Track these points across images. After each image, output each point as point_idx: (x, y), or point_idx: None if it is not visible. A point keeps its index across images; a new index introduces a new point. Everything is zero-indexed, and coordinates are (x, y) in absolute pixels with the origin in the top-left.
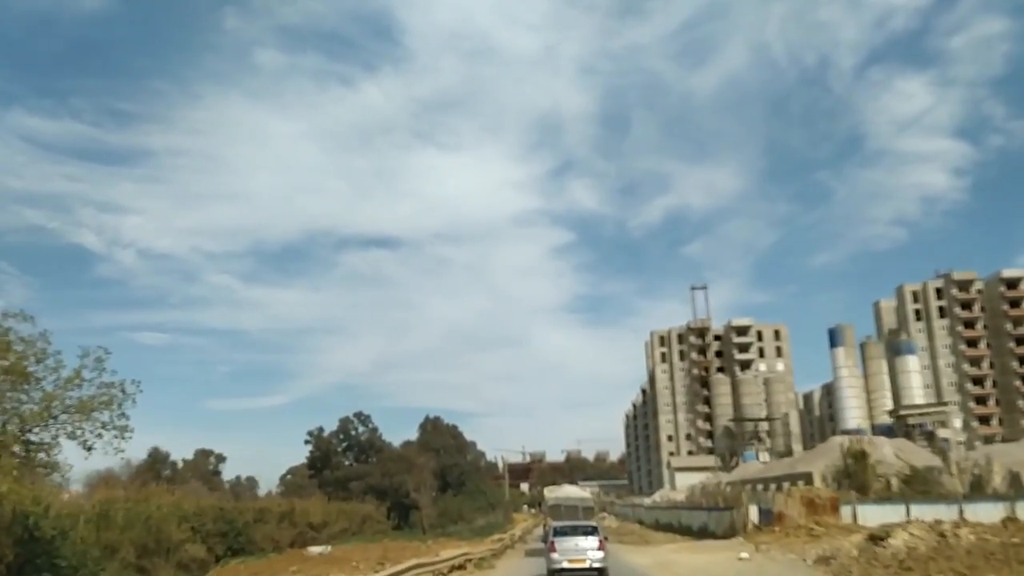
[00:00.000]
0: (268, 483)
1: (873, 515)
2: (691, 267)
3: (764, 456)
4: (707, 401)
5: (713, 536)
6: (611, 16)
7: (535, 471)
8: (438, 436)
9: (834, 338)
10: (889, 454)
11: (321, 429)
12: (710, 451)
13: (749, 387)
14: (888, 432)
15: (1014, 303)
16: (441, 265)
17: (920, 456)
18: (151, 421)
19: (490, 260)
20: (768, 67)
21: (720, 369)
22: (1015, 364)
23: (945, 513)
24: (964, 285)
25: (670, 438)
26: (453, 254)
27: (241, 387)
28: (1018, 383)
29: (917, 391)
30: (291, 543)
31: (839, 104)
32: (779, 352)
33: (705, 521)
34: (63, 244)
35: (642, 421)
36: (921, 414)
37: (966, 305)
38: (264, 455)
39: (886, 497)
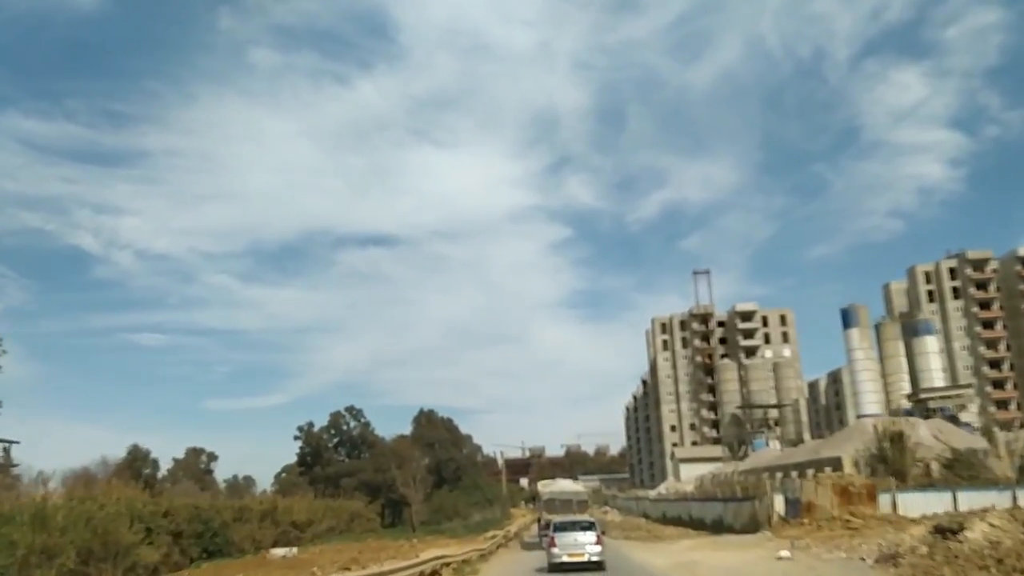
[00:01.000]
0: (266, 482)
1: (915, 504)
2: (689, 261)
3: (775, 444)
4: (712, 389)
5: (731, 530)
6: (606, 11)
7: (535, 466)
8: (432, 430)
9: (847, 318)
10: (927, 436)
11: (311, 424)
12: (715, 441)
13: (757, 372)
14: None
15: None
16: (439, 262)
17: (961, 438)
18: (150, 421)
19: (488, 257)
20: (763, 60)
21: (724, 356)
22: None
23: (997, 500)
24: (979, 264)
25: (673, 428)
26: (451, 251)
27: (240, 387)
28: None
29: (936, 373)
30: (274, 543)
31: (835, 96)
32: (785, 338)
33: (720, 514)
34: (60, 246)
35: (643, 413)
36: (942, 397)
37: (981, 285)
38: (263, 455)
39: (928, 483)
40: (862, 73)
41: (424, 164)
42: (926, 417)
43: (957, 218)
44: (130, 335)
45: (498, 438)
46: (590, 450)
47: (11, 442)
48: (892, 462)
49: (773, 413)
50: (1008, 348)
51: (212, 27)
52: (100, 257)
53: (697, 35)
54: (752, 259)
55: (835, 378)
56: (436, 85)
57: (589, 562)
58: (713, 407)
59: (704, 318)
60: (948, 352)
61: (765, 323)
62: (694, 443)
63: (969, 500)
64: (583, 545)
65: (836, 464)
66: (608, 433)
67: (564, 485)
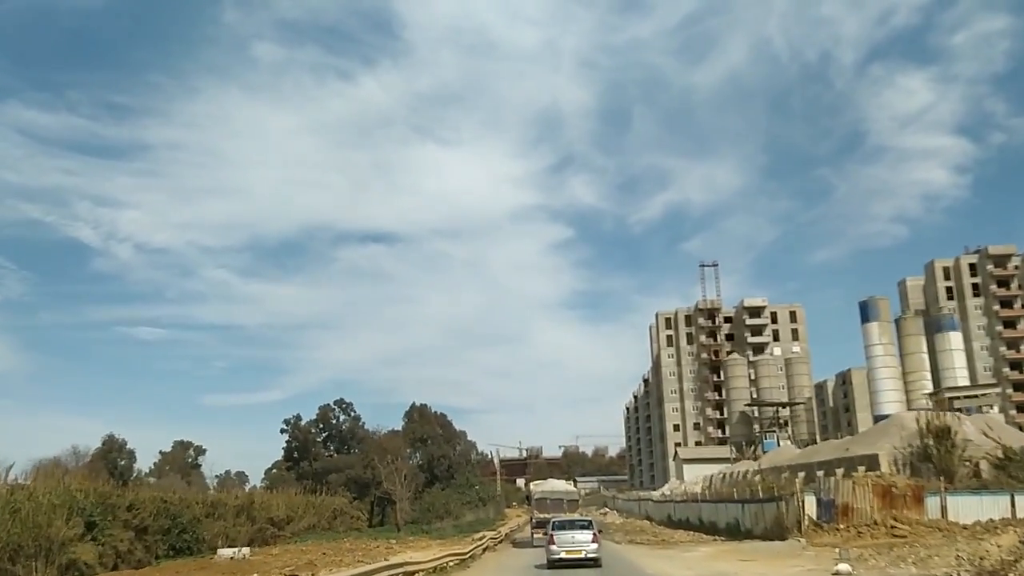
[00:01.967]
0: (259, 479)
1: (968, 508)
2: (691, 263)
3: (786, 444)
4: (717, 388)
5: (751, 536)
6: (612, 11)
7: (532, 467)
8: (425, 425)
9: (866, 312)
10: (973, 432)
11: (298, 417)
12: (721, 442)
13: (768, 369)
14: None
15: None
16: (439, 260)
17: (1013, 435)
18: (146, 415)
19: (489, 256)
20: (769, 63)
21: (730, 353)
22: None
23: None
24: (1001, 260)
25: (676, 428)
26: (452, 249)
27: (236, 383)
28: None
29: (960, 372)
30: (249, 541)
31: (840, 100)
32: (795, 335)
33: (737, 516)
34: (60, 238)
35: (644, 412)
36: (968, 396)
37: (1003, 282)
38: (257, 451)
39: (980, 486)
40: (868, 78)
41: (426, 161)
42: None
43: (962, 225)
44: (128, 329)
45: (496, 438)
46: (588, 452)
47: None
48: (938, 461)
49: (783, 412)
50: None
51: (216, 20)
52: (99, 250)
53: (703, 37)
54: (755, 263)
55: (844, 379)
56: (440, 82)
57: (586, 559)
58: (719, 406)
59: (711, 313)
60: (968, 352)
61: (774, 319)
62: (698, 443)
63: None
64: (581, 543)
65: (871, 463)
66: (607, 435)
67: (555, 485)
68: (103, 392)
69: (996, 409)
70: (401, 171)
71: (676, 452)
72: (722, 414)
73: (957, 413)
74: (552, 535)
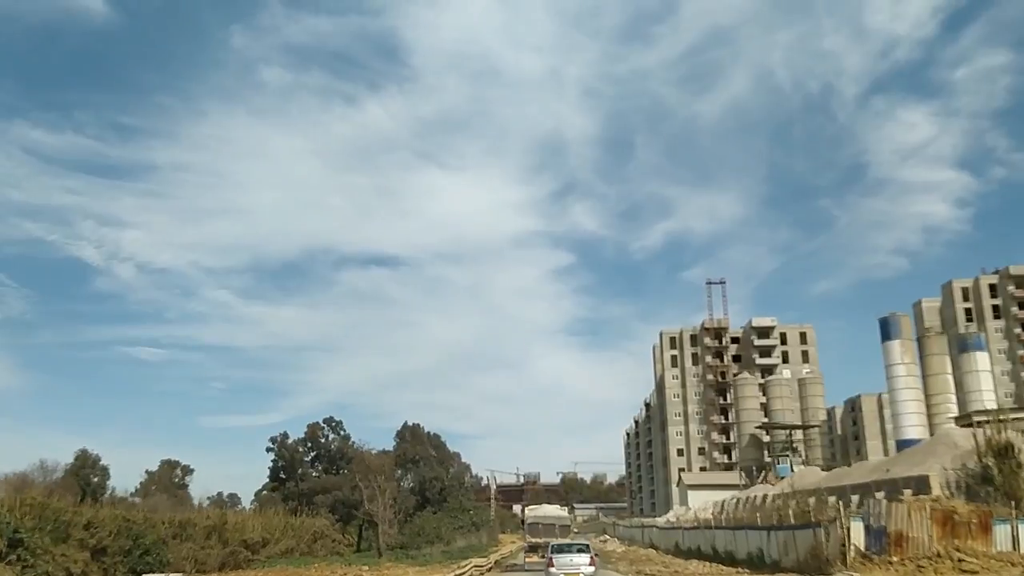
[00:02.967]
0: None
1: None
2: (692, 292)
3: (810, 467)
4: (724, 411)
5: (777, 567)
6: (616, 40)
7: (529, 493)
8: (417, 446)
9: (887, 330)
10: None
11: (285, 435)
12: (727, 467)
13: (780, 390)
14: None
15: None
16: (441, 285)
17: None
18: (144, 435)
19: (490, 281)
20: (772, 94)
21: (736, 376)
22: None
23: None
24: (1022, 281)
25: (680, 452)
26: (453, 274)
27: (234, 404)
28: None
29: (988, 394)
30: (220, 565)
31: (842, 132)
32: (805, 356)
33: (760, 545)
34: (62, 257)
35: (645, 438)
36: (1000, 420)
37: None
38: (252, 473)
39: None
40: (870, 110)
41: (429, 186)
42: None
43: (963, 258)
44: (128, 349)
45: (494, 464)
46: (587, 478)
47: None
48: (1001, 483)
49: (796, 436)
50: None
51: (225, 44)
52: (101, 269)
53: (706, 67)
54: (755, 292)
55: (853, 406)
56: (445, 108)
57: None
58: (725, 430)
59: (718, 333)
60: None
61: (784, 340)
62: (703, 469)
63: None
64: (578, 566)
65: (919, 485)
66: (605, 462)
67: (548, 510)
68: (101, 411)
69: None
70: (404, 195)
71: (680, 477)
72: (728, 438)
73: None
74: (551, 558)
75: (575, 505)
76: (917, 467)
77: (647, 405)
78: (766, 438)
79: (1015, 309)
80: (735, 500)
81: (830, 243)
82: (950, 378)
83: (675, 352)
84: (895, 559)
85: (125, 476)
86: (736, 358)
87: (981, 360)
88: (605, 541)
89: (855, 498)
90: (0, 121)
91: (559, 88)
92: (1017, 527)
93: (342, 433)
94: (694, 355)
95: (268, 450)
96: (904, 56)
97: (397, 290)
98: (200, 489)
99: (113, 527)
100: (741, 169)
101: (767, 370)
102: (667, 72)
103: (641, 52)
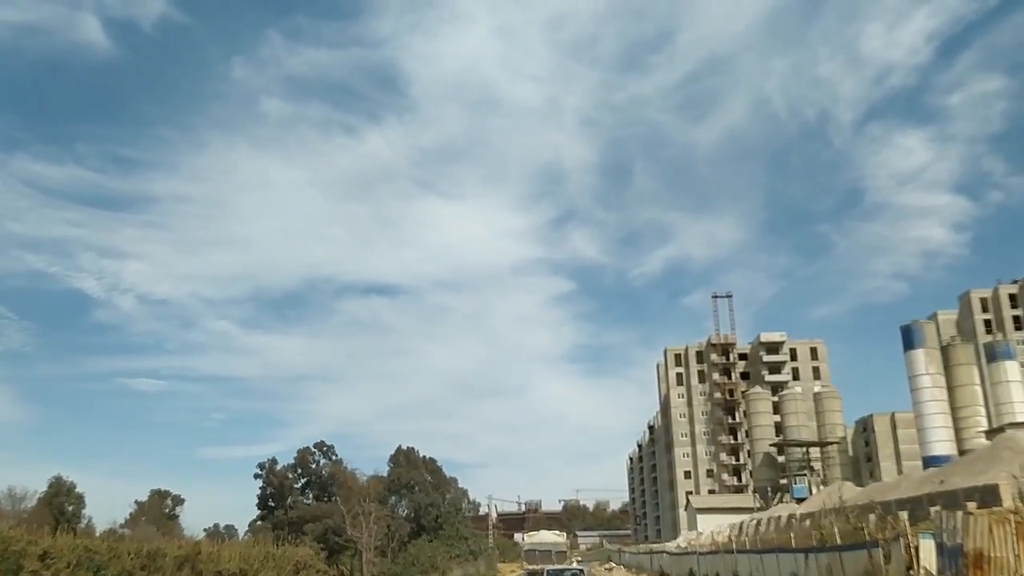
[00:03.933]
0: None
1: None
2: (692, 317)
3: (819, 490)
4: (733, 431)
5: None
6: (614, 69)
7: (530, 521)
8: (412, 471)
9: (909, 338)
10: None
11: (274, 460)
12: (736, 490)
13: (795, 405)
14: None
15: None
16: (441, 313)
17: None
18: (142, 467)
19: (490, 308)
20: (769, 121)
21: (744, 393)
22: None
23: None
24: None
25: (688, 475)
26: (453, 302)
27: (234, 435)
28: None
29: (1020, 406)
30: None
31: (839, 158)
32: (816, 373)
33: (796, 571)
34: (62, 289)
35: (649, 462)
36: None
37: None
38: (249, 504)
39: None
40: (866, 136)
41: (429, 215)
42: None
43: (961, 281)
44: (128, 380)
45: (495, 493)
46: (590, 506)
47: None
48: None
49: (813, 453)
50: None
51: (226, 77)
52: (101, 301)
53: (703, 95)
54: (755, 317)
55: (865, 426)
56: (444, 137)
57: None
58: (734, 451)
59: (725, 349)
60: None
61: (794, 356)
62: (711, 492)
63: None
64: None
65: (986, 496)
66: (608, 489)
67: (544, 536)
68: (100, 443)
69: None
70: (404, 224)
71: (688, 501)
72: (738, 459)
73: None
74: None
75: (578, 533)
76: (980, 476)
77: (651, 428)
78: (780, 458)
79: None
80: (754, 521)
81: (829, 268)
82: (978, 389)
83: (680, 370)
84: None
85: (119, 508)
86: (744, 375)
87: (1011, 370)
88: (611, 569)
89: (903, 514)
90: (1, 154)
91: (558, 117)
92: None
93: (334, 458)
94: (700, 373)
95: (256, 476)
96: (899, 82)
97: (397, 319)
98: (196, 520)
99: (72, 558)
100: (739, 195)
101: (777, 387)
102: (665, 100)
103: (639, 81)
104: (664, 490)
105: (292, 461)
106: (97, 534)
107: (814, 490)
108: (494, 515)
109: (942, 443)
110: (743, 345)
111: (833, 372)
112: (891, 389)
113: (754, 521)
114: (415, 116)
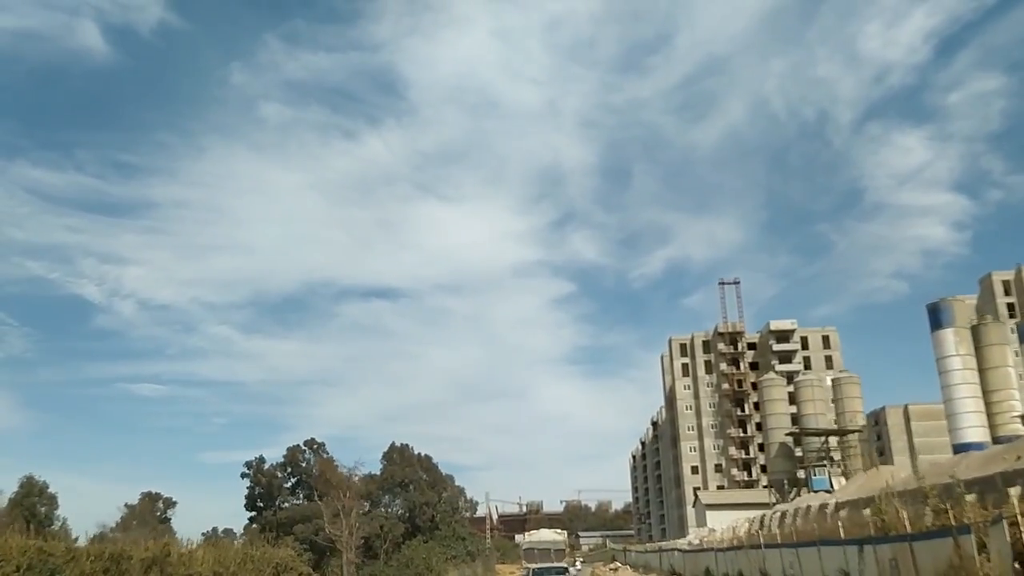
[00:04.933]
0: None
1: None
2: (692, 318)
3: (840, 482)
4: (742, 423)
5: None
6: (612, 71)
7: (531, 522)
8: (406, 468)
9: (937, 317)
10: None
11: (262, 459)
12: (746, 484)
13: (811, 392)
14: None
15: None
16: (441, 316)
17: None
18: (144, 471)
19: (490, 311)
20: (768, 121)
21: (755, 385)
22: None
23: None
24: None
25: (695, 470)
26: (453, 305)
27: (236, 439)
28: None
29: None
30: None
31: (838, 158)
32: (829, 362)
33: (847, 568)
34: (63, 295)
35: (653, 459)
36: None
37: None
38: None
39: None
40: (865, 136)
41: (429, 218)
42: None
43: (962, 280)
44: (129, 385)
45: (497, 495)
46: (591, 506)
47: None
48: None
49: (832, 443)
50: None
51: (225, 82)
52: (102, 306)
53: (702, 96)
54: (756, 317)
55: (877, 419)
56: (443, 140)
57: None
58: (744, 444)
59: (733, 338)
60: None
61: (804, 345)
62: (720, 487)
63: None
64: None
65: None
66: (610, 490)
67: (543, 535)
68: (102, 449)
69: None
70: (403, 227)
71: (696, 497)
72: (747, 453)
73: None
74: None
75: (580, 533)
76: None
77: (654, 424)
78: (796, 449)
79: None
80: (777, 514)
81: (829, 268)
82: (1012, 371)
83: (686, 360)
84: None
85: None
86: (753, 365)
87: None
88: (616, 569)
89: (970, 497)
90: (2, 160)
91: (557, 119)
92: None
93: (325, 456)
94: (707, 363)
95: (243, 476)
96: (898, 82)
97: (397, 322)
98: (197, 524)
99: (22, 560)
100: (739, 196)
101: (788, 377)
102: (664, 101)
103: (637, 82)
104: (669, 487)
105: (281, 459)
106: (84, 538)
107: (835, 482)
108: (494, 515)
109: (975, 429)
110: (751, 334)
111: (845, 363)
112: (893, 389)
113: (777, 514)
114: (414, 119)
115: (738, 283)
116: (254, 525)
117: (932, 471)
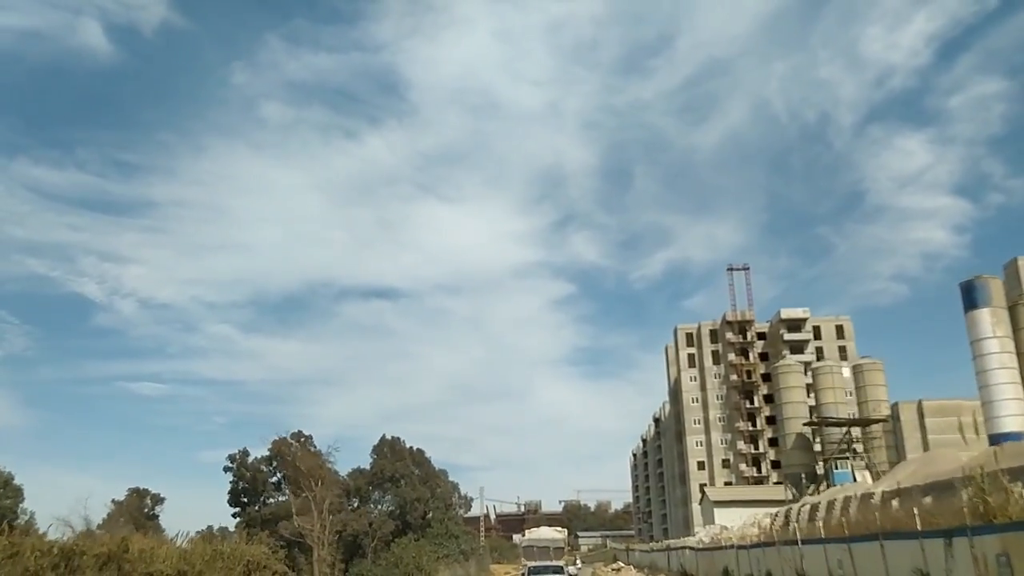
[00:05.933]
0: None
1: None
2: (693, 320)
3: (864, 477)
4: (751, 416)
5: None
6: (614, 73)
7: (530, 521)
8: (397, 462)
9: (972, 296)
10: None
11: (245, 452)
12: (756, 481)
13: (830, 379)
14: None
15: None
16: (441, 316)
17: None
18: (144, 470)
19: (490, 312)
20: (769, 124)
21: (765, 377)
22: None
23: None
24: None
25: (701, 465)
26: (454, 305)
27: (235, 438)
28: None
29: None
30: None
31: (839, 160)
32: (843, 353)
33: (921, 565)
34: (64, 293)
35: (654, 456)
36: None
37: None
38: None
39: None
40: (867, 139)
41: (430, 219)
42: None
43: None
44: (129, 384)
45: (496, 495)
46: (591, 506)
47: None
48: None
49: (854, 435)
50: None
51: (226, 82)
52: (103, 305)
53: (704, 98)
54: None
55: (895, 412)
56: (445, 141)
57: None
58: (754, 438)
59: (742, 327)
60: None
61: (817, 335)
62: (727, 484)
63: None
64: None
65: None
66: (609, 490)
67: (542, 533)
68: (103, 447)
69: None
70: (404, 228)
71: (703, 494)
72: (757, 448)
73: None
74: None
75: (579, 533)
76: None
77: (656, 420)
78: (817, 439)
79: None
80: (806, 507)
81: (830, 270)
82: None
83: (692, 350)
84: None
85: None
86: (763, 356)
87: None
88: (619, 570)
89: None
90: (3, 158)
91: (558, 120)
92: None
93: (313, 449)
94: (715, 353)
95: (226, 470)
96: (899, 85)
97: (398, 322)
98: (193, 522)
99: None
100: (740, 198)
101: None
102: (665, 103)
103: (639, 84)
104: (673, 485)
105: (266, 452)
106: (65, 534)
107: (858, 476)
108: (492, 515)
109: (1015, 418)
110: (761, 324)
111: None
112: (895, 391)
113: (806, 507)
114: (415, 120)
115: (747, 269)
116: (238, 520)
117: (984, 456)
